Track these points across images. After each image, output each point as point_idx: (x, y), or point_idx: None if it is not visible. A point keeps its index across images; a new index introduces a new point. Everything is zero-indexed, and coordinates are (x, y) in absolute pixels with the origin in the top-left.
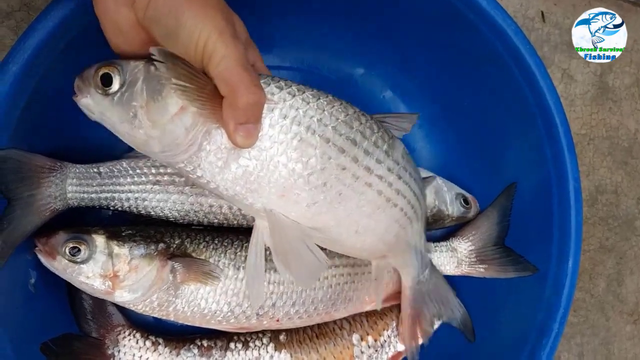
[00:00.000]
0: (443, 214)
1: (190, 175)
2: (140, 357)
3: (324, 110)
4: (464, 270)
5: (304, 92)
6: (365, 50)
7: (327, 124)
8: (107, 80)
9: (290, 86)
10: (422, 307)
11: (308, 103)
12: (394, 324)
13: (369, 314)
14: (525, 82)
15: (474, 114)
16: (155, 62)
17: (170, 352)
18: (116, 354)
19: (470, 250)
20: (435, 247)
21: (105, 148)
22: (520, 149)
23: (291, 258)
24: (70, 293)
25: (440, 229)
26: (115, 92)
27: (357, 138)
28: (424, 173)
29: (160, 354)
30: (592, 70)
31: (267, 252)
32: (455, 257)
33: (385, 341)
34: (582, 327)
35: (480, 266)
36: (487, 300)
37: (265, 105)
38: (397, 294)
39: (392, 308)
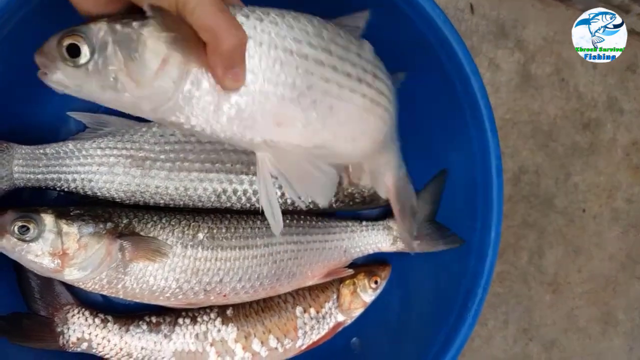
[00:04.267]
0: (378, 195)
1: (185, 127)
2: (90, 334)
3: (293, 27)
4: (399, 246)
5: (269, 14)
6: None
7: (300, 40)
8: (74, 51)
9: (254, 11)
10: (405, 202)
11: (277, 24)
12: (335, 297)
13: (311, 288)
14: (453, 69)
15: (405, 99)
16: (123, 21)
17: (120, 328)
18: (65, 331)
19: None
20: (372, 225)
21: (51, 129)
22: (449, 131)
23: (301, 180)
24: (18, 272)
25: (376, 209)
26: (88, 62)
27: (331, 47)
28: None
29: (109, 331)
30: (516, 59)
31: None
32: (391, 235)
33: (326, 312)
34: (507, 296)
35: (414, 242)
36: (419, 273)
37: None
38: (340, 270)
39: (333, 282)
